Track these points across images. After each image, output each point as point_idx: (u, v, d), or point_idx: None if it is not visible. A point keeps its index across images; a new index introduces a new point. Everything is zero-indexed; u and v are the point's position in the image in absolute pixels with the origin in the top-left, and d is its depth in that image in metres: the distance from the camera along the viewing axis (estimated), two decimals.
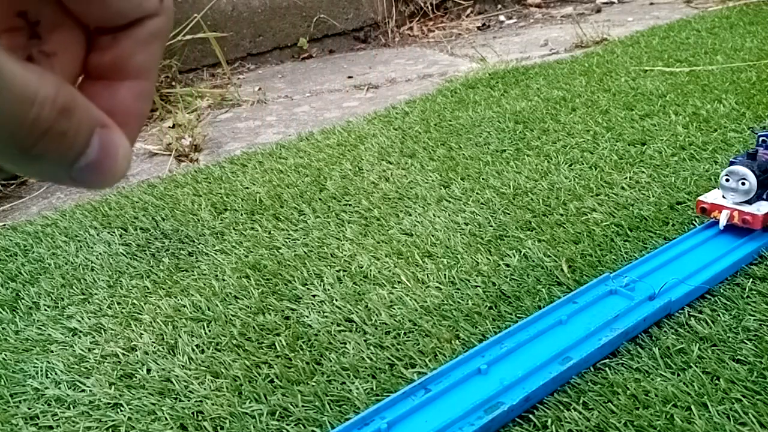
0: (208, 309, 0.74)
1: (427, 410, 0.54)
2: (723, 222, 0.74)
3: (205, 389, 0.61)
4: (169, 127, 1.38)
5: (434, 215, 0.91)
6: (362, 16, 2.19)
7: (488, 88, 1.46)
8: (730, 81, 1.33)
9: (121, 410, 0.60)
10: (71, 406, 0.61)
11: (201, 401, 0.60)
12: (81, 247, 0.92)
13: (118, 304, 0.77)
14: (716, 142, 1.04)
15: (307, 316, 0.71)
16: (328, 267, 0.80)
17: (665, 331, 0.63)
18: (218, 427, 0.57)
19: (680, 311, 0.65)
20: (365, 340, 0.66)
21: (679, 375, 0.58)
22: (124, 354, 0.68)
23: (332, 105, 1.54)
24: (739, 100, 1.21)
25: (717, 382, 0.56)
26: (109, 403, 0.61)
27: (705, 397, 0.55)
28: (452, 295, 0.72)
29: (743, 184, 0.73)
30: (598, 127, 1.16)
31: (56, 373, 0.66)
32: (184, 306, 0.75)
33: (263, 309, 0.73)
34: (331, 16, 2.11)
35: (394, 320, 0.69)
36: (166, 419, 0.58)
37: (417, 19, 2.31)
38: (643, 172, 0.97)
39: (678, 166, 0.98)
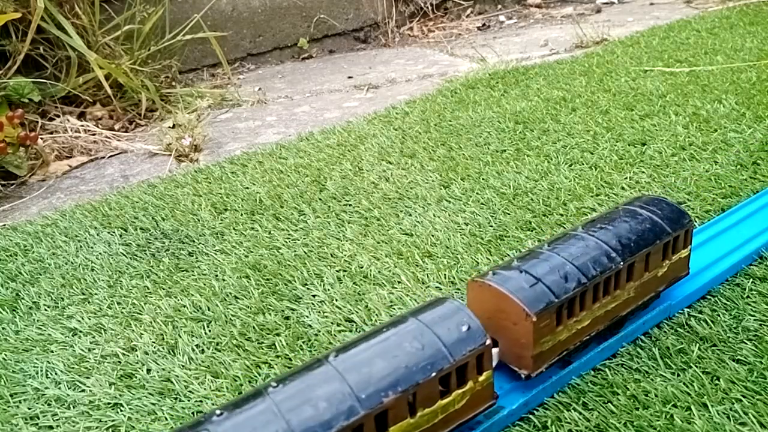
0: (208, 309, 0.74)
1: None
2: None
3: (205, 389, 0.61)
4: (169, 127, 1.38)
5: (434, 215, 0.91)
6: (362, 16, 2.19)
7: (488, 88, 1.46)
8: (730, 81, 1.33)
9: (121, 410, 0.60)
10: (71, 406, 0.61)
11: (201, 401, 0.60)
12: (81, 247, 0.92)
13: (118, 304, 0.77)
14: (716, 143, 1.04)
15: (307, 316, 0.71)
16: (328, 267, 0.80)
17: (665, 332, 0.63)
18: None
19: (680, 312, 0.65)
20: None
21: (678, 375, 0.58)
22: (124, 354, 0.68)
23: (332, 105, 1.54)
24: (739, 101, 1.21)
25: (717, 382, 0.56)
26: (109, 403, 0.61)
27: (705, 397, 0.55)
28: (452, 295, 0.72)
29: None
30: (598, 128, 1.16)
31: (56, 373, 0.66)
32: (184, 306, 0.75)
33: (263, 309, 0.73)
34: (331, 16, 2.11)
35: None
36: (166, 419, 0.58)
37: (417, 19, 2.31)
38: (643, 172, 0.97)
39: (678, 166, 0.98)
